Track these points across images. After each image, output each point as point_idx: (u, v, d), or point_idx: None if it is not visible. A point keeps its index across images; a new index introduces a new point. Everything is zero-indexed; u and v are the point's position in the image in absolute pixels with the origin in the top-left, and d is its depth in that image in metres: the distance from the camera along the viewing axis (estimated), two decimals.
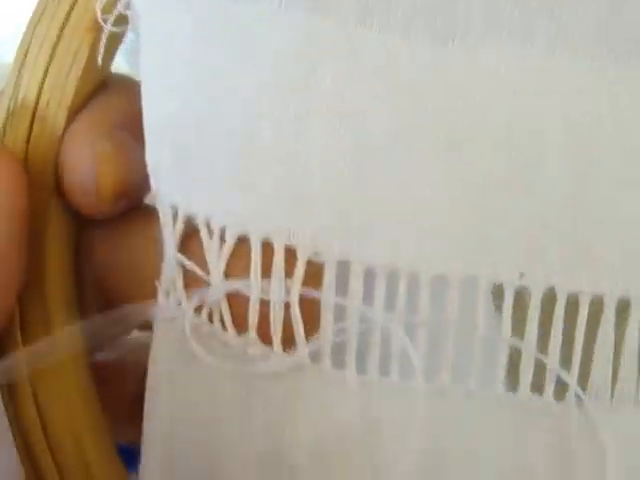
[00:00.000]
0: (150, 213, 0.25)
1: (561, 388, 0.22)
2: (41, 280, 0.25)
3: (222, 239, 0.22)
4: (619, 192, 0.21)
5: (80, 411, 0.26)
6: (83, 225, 0.26)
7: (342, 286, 0.22)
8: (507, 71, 0.20)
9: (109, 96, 0.25)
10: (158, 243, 0.24)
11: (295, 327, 0.22)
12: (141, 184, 0.24)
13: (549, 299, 0.22)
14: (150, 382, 0.24)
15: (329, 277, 0.22)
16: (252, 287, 0.22)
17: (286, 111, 0.21)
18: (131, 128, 0.24)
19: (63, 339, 0.26)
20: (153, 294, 0.24)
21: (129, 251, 0.26)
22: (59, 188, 0.25)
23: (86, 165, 0.24)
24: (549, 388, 0.22)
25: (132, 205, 0.25)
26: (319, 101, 0.21)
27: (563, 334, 0.22)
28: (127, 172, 0.24)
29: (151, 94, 0.23)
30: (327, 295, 0.22)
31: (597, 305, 0.22)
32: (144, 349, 0.28)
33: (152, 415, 0.24)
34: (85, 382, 0.27)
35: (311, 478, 0.22)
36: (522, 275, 0.22)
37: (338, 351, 0.22)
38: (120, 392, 0.28)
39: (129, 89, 0.25)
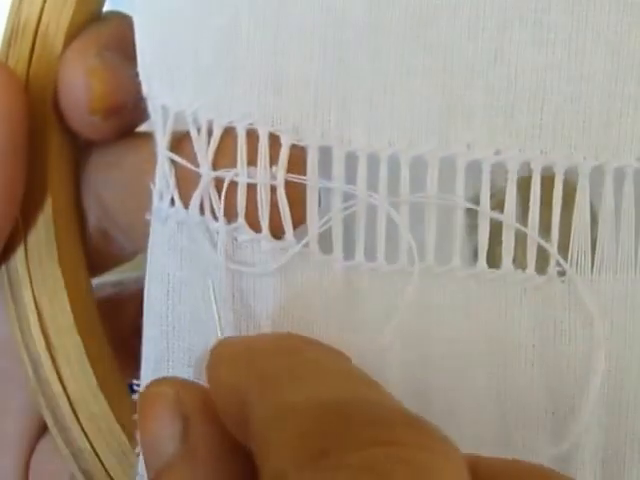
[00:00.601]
0: (145, 135, 0.26)
1: (543, 261, 0.23)
2: (43, 196, 0.27)
3: (209, 133, 0.23)
4: (584, 65, 0.22)
5: (87, 332, 0.28)
6: (84, 148, 0.28)
7: (326, 172, 0.23)
8: None
9: (102, 23, 0.27)
10: (152, 161, 0.25)
11: (282, 211, 0.23)
12: (133, 105, 0.26)
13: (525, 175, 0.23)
14: (148, 285, 0.25)
15: (312, 161, 0.23)
16: (239, 173, 0.23)
17: (262, 5, 0.22)
18: (121, 50, 0.26)
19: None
20: (148, 207, 0.25)
21: (125, 169, 0.27)
22: (57, 105, 0.26)
23: (77, 80, 0.26)
24: (531, 261, 0.23)
25: (126, 127, 0.27)
26: None
27: (541, 207, 0.23)
28: (116, 87, 0.26)
29: (142, 3, 0.25)
30: (311, 178, 0.23)
31: (572, 175, 0.23)
32: (132, 286, 0.30)
33: (149, 314, 0.25)
34: (90, 303, 0.28)
35: None
36: (497, 152, 0.22)
37: (325, 237, 0.23)
38: (116, 327, 0.29)
39: (121, 20, 0.27)
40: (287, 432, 0.17)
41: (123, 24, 0.26)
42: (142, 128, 0.28)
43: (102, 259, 0.30)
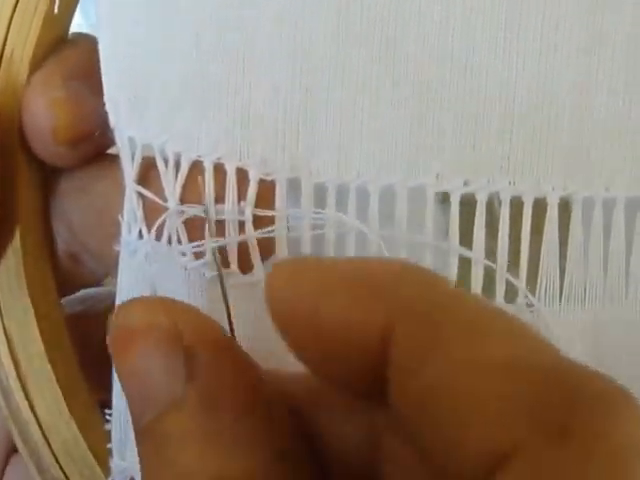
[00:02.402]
0: (113, 160, 0.26)
1: (511, 291, 0.23)
2: (12, 226, 0.26)
3: (177, 167, 0.23)
4: (553, 88, 0.22)
5: (58, 360, 0.27)
6: (54, 173, 0.28)
7: (295, 204, 0.23)
8: None
9: (67, 50, 0.27)
10: (119, 187, 0.25)
11: (250, 247, 0.23)
12: (100, 133, 0.26)
13: (494, 205, 0.23)
14: None
15: (280, 194, 0.23)
16: (206, 210, 0.23)
17: (228, 36, 0.22)
18: (87, 79, 0.26)
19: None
20: (117, 233, 0.25)
21: (94, 195, 0.27)
22: (23, 134, 0.26)
23: (41, 111, 0.26)
24: (500, 291, 0.23)
25: (94, 153, 0.27)
26: (262, 28, 0.22)
27: (510, 238, 0.23)
28: (81, 118, 0.26)
29: (107, 33, 0.24)
30: (280, 212, 0.23)
31: (540, 206, 0.23)
32: (101, 301, 0.29)
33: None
34: (61, 331, 0.28)
35: None
36: (466, 182, 0.23)
37: None
38: (85, 344, 0.29)
39: (88, 44, 0.26)
40: (506, 399, 0.14)
41: (90, 48, 0.26)
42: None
43: (72, 281, 0.30)
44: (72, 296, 0.31)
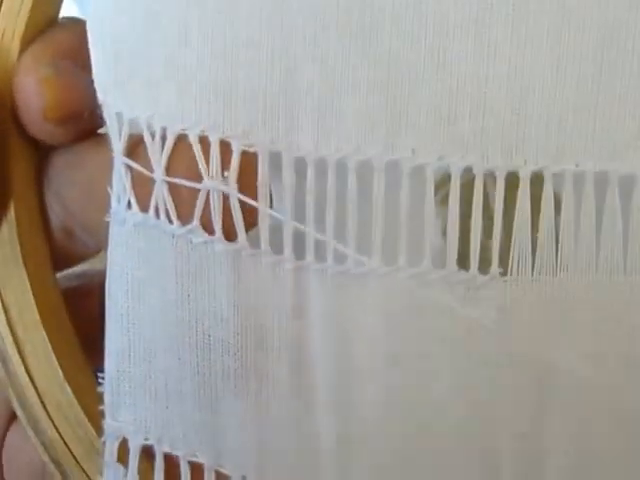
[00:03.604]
0: (106, 137, 0.27)
1: (486, 261, 0.24)
2: (5, 198, 0.27)
3: (163, 140, 0.24)
4: (524, 76, 0.23)
5: (53, 327, 0.29)
6: (46, 148, 0.28)
7: (278, 177, 0.24)
8: None
9: (57, 30, 0.28)
10: (112, 162, 0.26)
11: (234, 215, 0.24)
12: (90, 111, 0.26)
13: (468, 179, 0.24)
14: (108, 284, 0.26)
15: (262, 166, 0.24)
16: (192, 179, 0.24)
17: (210, 14, 0.23)
18: (77, 59, 0.27)
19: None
20: (109, 208, 0.26)
21: (87, 169, 0.28)
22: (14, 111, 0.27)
23: (31, 89, 0.26)
24: (474, 262, 0.24)
25: (85, 131, 0.28)
26: (239, 6, 0.23)
27: (484, 211, 0.24)
28: (69, 96, 0.26)
29: (94, 14, 0.25)
30: (262, 182, 0.24)
31: (513, 180, 0.23)
32: (96, 276, 0.30)
33: (110, 311, 0.26)
34: (56, 299, 0.29)
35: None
36: (441, 157, 0.23)
37: (277, 239, 0.24)
38: (80, 317, 0.30)
39: (76, 26, 0.27)
40: None
41: (79, 30, 0.26)
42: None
43: (66, 256, 0.30)
44: (68, 271, 0.32)
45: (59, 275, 0.31)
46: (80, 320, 0.30)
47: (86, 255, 0.31)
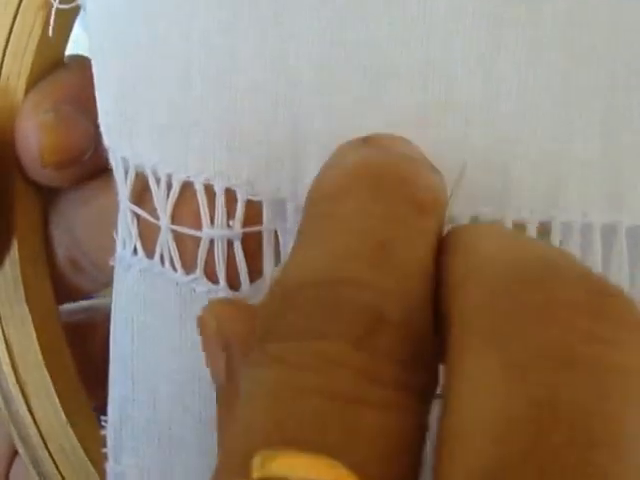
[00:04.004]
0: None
1: None
2: (9, 238, 0.27)
3: (169, 186, 0.24)
4: (531, 120, 0.23)
5: (56, 368, 0.28)
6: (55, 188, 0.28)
7: (283, 223, 0.24)
8: (418, 12, 0.22)
9: (62, 72, 0.28)
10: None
11: (238, 264, 0.24)
12: (92, 154, 0.26)
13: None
14: (113, 328, 0.26)
15: (267, 215, 0.23)
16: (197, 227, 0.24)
17: (215, 60, 0.23)
18: (79, 102, 0.27)
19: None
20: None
21: (95, 208, 0.28)
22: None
23: (30, 134, 0.27)
24: None
25: (88, 173, 0.28)
26: (244, 56, 0.23)
27: None
28: (69, 142, 0.27)
29: (99, 59, 0.25)
30: (267, 231, 0.23)
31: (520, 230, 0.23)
32: (105, 311, 0.30)
33: (115, 355, 0.26)
34: (59, 340, 0.29)
35: None
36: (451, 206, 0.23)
37: None
38: (86, 352, 0.30)
39: (82, 67, 0.27)
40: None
41: (84, 71, 0.26)
42: None
43: (73, 289, 0.30)
44: (74, 304, 0.32)
45: (65, 308, 0.31)
46: (85, 355, 0.30)
47: (93, 289, 0.31)
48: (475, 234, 0.19)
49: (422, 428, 0.17)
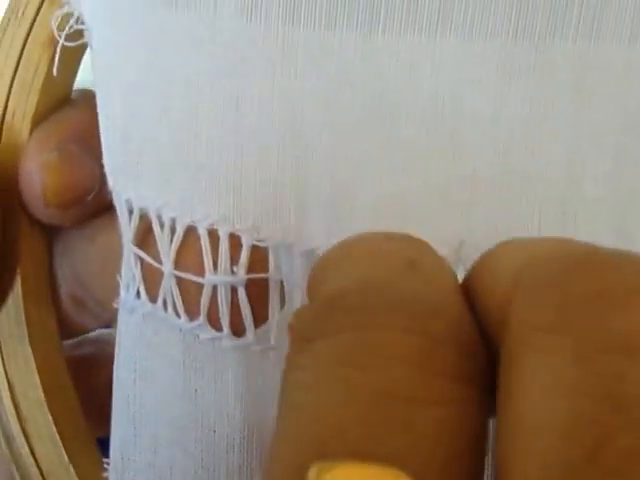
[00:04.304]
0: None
1: None
2: (12, 276, 0.27)
3: (173, 231, 0.24)
4: (541, 167, 0.22)
5: (58, 408, 0.28)
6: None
7: (289, 268, 0.23)
8: (426, 58, 0.22)
9: (68, 110, 0.27)
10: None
11: (243, 311, 0.23)
12: (97, 193, 0.26)
13: None
14: (116, 371, 0.26)
15: (273, 261, 0.23)
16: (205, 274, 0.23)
17: (221, 103, 0.23)
18: (85, 141, 0.26)
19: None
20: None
21: (100, 246, 0.27)
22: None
23: (34, 174, 0.26)
24: None
25: (92, 212, 0.27)
26: (251, 95, 0.22)
27: None
28: (72, 182, 0.26)
29: (104, 98, 0.25)
30: (272, 278, 0.23)
31: None
32: (112, 344, 0.30)
33: (117, 397, 0.26)
34: (62, 378, 0.29)
35: None
36: (456, 251, 0.23)
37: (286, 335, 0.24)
38: (93, 385, 0.30)
39: (88, 104, 0.27)
40: None
41: (90, 109, 0.26)
42: None
43: (77, 326, 0.30)
44: (83, 337, 0.32)
45: (71, 341, 0.30)
46: (89, 389, 0.30)
47: (96, 326, 0.30)
48: (509, 244, 0.18)
49: (485, 424, 0.16)
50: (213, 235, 0.23)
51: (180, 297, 0.24)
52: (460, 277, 0.23)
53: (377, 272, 0.17)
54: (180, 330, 0.24)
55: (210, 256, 0.23)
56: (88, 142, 0.26)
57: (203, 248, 0.23)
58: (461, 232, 0.23)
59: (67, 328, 0.30)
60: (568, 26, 0.21)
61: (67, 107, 0.27)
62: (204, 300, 0.23)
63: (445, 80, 0.22)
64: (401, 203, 0.23)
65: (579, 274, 0.15)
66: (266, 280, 0.23)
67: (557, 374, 0.14)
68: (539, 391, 0.14)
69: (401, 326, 0.15)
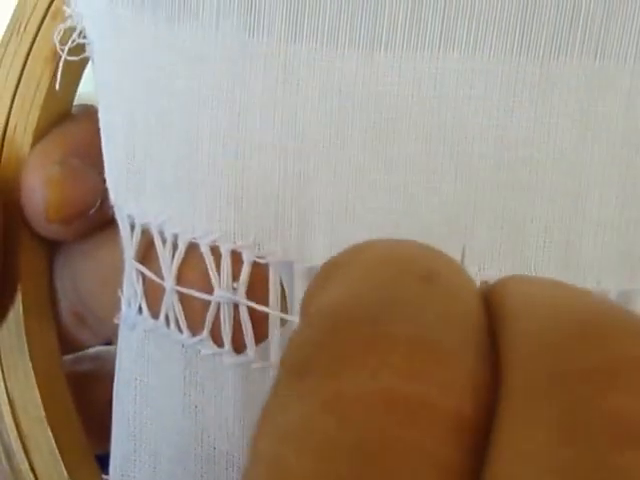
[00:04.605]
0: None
1: None
2: (13, 292, 0.27)
3: (175, 247, 0.24)
4: (545, 185, 0.22)
5: (58, 423, 0.28)
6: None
7: (289, 283, 0.23)
8: (429, 75, 0.22)
9: (70, 124, 0.27)
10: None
11: (244, 328, 0.23)
12: (99, 207, 0.26)
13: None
14: (116, 387, 0.26)
15: (273, 278, 0.23)
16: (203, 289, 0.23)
17: (222, 118, 0.22)
18: (87, 155, 0.26)
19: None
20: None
21: (100, 262, 0.27)
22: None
23: (36, 189, 0.26)
24: None
25: (94, 226, 0.27)
26: (253, 110, 0.22)
27: None
28: (75, 197, 0.26)
29: (106, 112, 0.25)
30: (273, 295, 0.23)
31: None
32: (111, 360, 0.30)
33: (117, 414, 0.26)
34: (63, 394, 0.29)
35: None
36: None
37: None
38: (92, 401, 0.29)
39: (89, 118, 0.27)
40: None
41: (92, 123, 0.26)
42: None
43: (76, 341, 0.30)
44: (82, 353, 0.32)
45: (69, 357, 0.30)
46: (89, 405, 0.29)
47: (96, 342, 0.30)
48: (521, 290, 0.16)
49: None
50: (215, 251, 0.23)
51: (182, 312, 0.24)
52: None
53: (387, 284, 0.15)
54: (182, 346, 0.24)
55: (214, 272, 0.23)
56: (90, 156, 0.26)
57: (207, 264, 0.23)
58: (459, 254, 0.23)
59: (66, 344, 0.30)
60: (573, 44, 0.21)
61: (68, 121, 0.27)
62: (209, 316, 0.23)
63: (448, 97, 0.22)
64: (402, 221, 0.22)
65: (580, 344, 0.14)
66: (267, 297, 0.23)
67: (537, 448, 0.13)
68: (516, 463, 0.13)
69: (397, 371, 0.14)
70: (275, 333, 0.23)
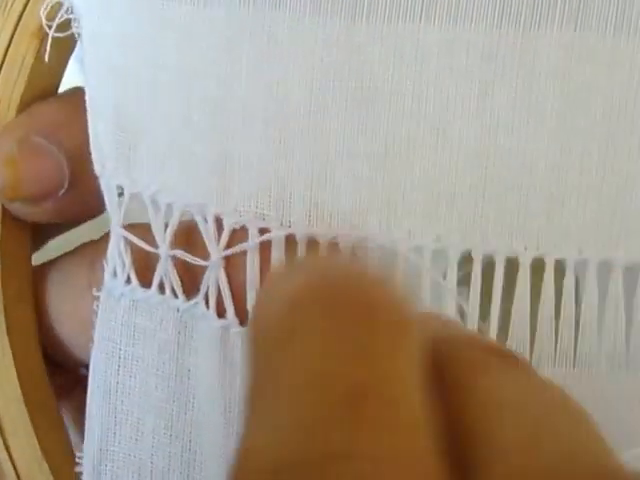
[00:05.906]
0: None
1: None
2: None
3: (167, 215, 0.24)
4: (526, 153, 0.23)
5: (34, 402, 0.28)
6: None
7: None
8: (410, 45, 0.22)
9: (42, 103, 0.27)
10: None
11: (223, 291, 0.23)
12: (73, 189, 0.26)
13: (466, 261, 0.23)
14: (94, 360, 0.26)
15: (252, 243, 0.23)
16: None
17: (210, 90, 0.23)
18: (54, 134, 0.26)
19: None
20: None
21: (73, 288, 0.27)
22: None
23: None
24: None
25: (76, 211, 0.27)
26: (239, 78, 0.23)
27: (482, 296, 0.23)
28: (34, 176, 0.26)
29: (94, 86, 0.25)
30: (250, 259, 0.23)
31: (514, 266, 0.23)
32: None
33: (95, 392, 0.26)
34: (39, 374, 0.28)
35: None
36: (438, 238, 0.23)
37: None
38: (75, 403, 0.29)
39: (71, 98, 0.27)
40: None
41: (71, 105, 0.26)
42: None
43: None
44: None
45: None
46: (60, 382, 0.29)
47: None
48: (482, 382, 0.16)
49: None
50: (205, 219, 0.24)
51: (177, 278, 0.24)
52: (441, 270, 0.23)
53: (313, 429, 0.13)
54: (178, 310, 0.24)
55: (212, 238, 0.23)
56: (56, 135, 0.26)
57: (203, 232, 0.23)
58: (444, 220, 0.23)
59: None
60: (553, 14, 0.22)
61: (47, 101, 0.27)
62: (206, 280, 0.24)
63: (429, 67, 0.22)
64: (382, 191, 0.23)
65: None
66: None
67: None
68: None
69: None
70: (252, 297, 0.23)
